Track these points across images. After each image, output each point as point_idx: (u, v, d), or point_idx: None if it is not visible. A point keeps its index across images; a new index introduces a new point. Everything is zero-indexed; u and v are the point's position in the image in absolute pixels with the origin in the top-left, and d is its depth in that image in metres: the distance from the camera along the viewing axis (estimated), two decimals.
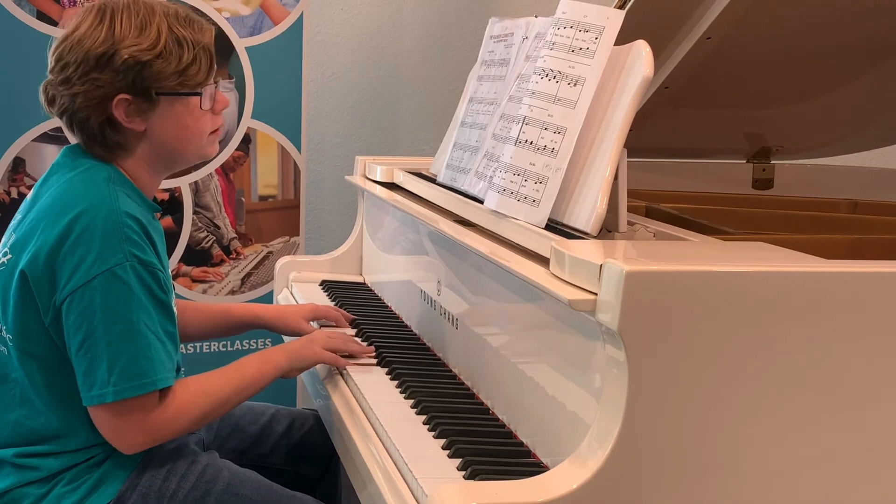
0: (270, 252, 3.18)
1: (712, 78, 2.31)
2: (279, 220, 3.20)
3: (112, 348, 1.63)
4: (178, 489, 1.75)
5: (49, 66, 1.75)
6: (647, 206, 2.13)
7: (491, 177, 1.81)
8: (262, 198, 3.18)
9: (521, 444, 1.61)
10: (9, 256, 1.73)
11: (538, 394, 1.56)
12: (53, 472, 1.71)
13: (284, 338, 2.24)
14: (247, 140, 3.12)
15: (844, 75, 2.37)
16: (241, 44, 3.06)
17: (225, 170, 3.11)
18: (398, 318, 2.34)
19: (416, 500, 1.44)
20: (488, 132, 1.92)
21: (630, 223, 1.69)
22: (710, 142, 2.59)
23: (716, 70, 2.27)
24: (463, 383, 1.89)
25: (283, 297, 2.66)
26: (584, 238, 1.57)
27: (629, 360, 1.28)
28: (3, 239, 1.79)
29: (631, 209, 1.77)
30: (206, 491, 1.77)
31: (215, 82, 1.80)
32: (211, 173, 3.09)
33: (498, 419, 1.71)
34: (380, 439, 1.66)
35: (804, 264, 1.40)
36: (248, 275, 3.17)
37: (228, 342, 3.09)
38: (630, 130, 1.60)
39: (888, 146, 2.60)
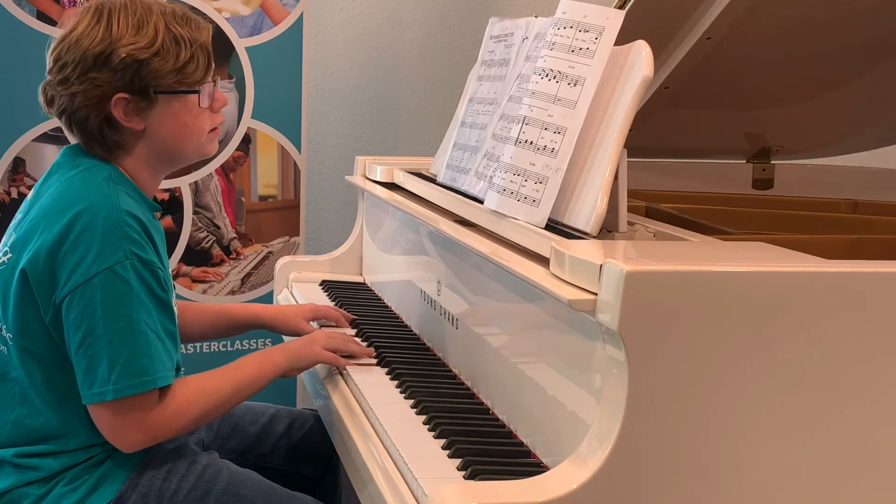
0: (270, 252, 3.18)
1: (712, 78, 2.31)
2: (279, 220, 3.20)
3: (112, 346, 1.63)
4: (178, 489, 1.75)
5: (47, 67, 1.75)
6: (647, 206, 2.13)
7: (491, 177, 1.81)
8: (262, 198, 3.18)
9: (521, 444, 1.61)
10: (9, 255, 1.73)
11: (538, 394, 1.56)
12: (53, 472, 1.71)
13: (284, 338, 2.24)
14: (247, 140, 3.12)
15: (844, 75, 2.38)
16: (241, 44, 3.06)
17: (225, 170, 3.11)
18: (398, 318, 2.34)
19: (416, 500, 1.44)
20: (488, 132, 1.92)
21: (630, 223, 1.69)
22: (710, 142, 2.59)
23: (716, 70, 2.27)
24: (463, 383, 1.89)
25: (283, 297, 2.66)
26: (584, 238, 1.57)
27: (629, 360, 1.28)
28: (4, 238, 1.79)
29: (631, 209, 1.77)
30: (206, 491, 1.77)
31: (213, 80, 1.80)
32: (211, 173, 3.09)
33: (498, 419, 1.71)
34: (380, 439, 1.66)
35: (804, 264, 1.39)
36: (248, 275, 3.17)
37: (228, 342, 3.09)
38: (630, 130, 1.60)
39: (888, 146, 2.60)
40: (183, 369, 1.83)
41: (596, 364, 1.37)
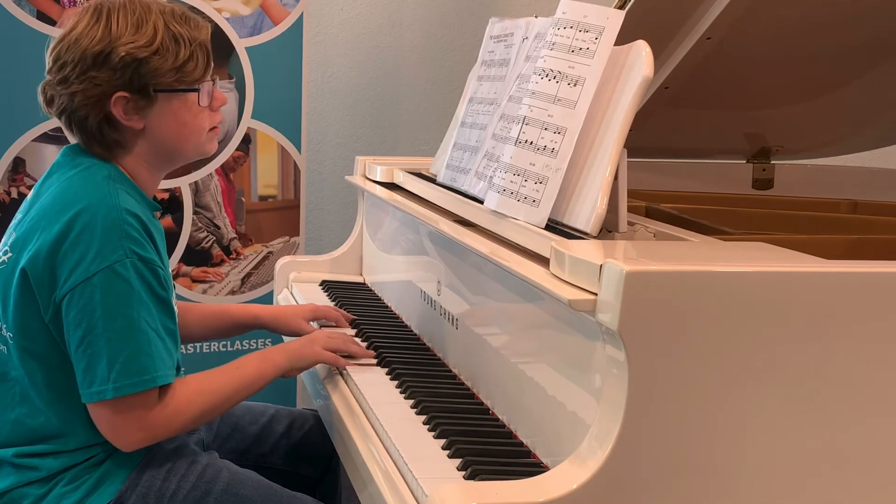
0: (270, 252, 3.18)
1: (712, 78, 2.31)
2: (279, 220, 3.20)
3: (112, 345, 1.63)
4: (178, 489, 1.75)
5: (47, 67, 1.75)
6: (647, 206, 2.13)
7: (491, 177, 1.81)
8: (262, 198, 3.18)
9: (521, 444, 1.61)
10: (9, 255, 1.73)
11: (538, 394, 1.56)
12: (53, 472, 1.71)
13: (284, 338, 2.24)
14: (247, 140, 3.12)
15: (844, 75, 2.38)
16: (241, 44, 3.06)
17: (225, 170, 3.11)
18: (398, 318, 2.34)
19: (416, 501, 1.44)
20: (488, 132, 1.92)
21: (630, 223, 1.69)
22: (710, 142, 2.59)
23: (716, 70, 2.27)
24: (463, 383, 1.89)
25: (283, 298, 2.66)
26: (584, 238, 1.57)
27: (629, 360, 1.28)
28: (4, 238, 1.79)
29: (631, 209, 1.77)
30: (205, 491, 1.77)
31: (212, 80, 1.81)
32: (211, 173, 3.09)
33: (498, 419, 1.71)
34: (380, 439, 1.66)
35: (804, 264, 1.40)
36: (248, 275, 3.17)
37: (228, 342, 3.09)
38: (630, 130, 1.60)
39: (888, 146, 2.60)
40: (183, 369, 1.83)
41: (596, 364, 1.37)
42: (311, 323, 2.21)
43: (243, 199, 3.15)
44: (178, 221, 3.06)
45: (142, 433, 1.69)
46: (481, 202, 1.81)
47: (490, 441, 1.61)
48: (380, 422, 1.69)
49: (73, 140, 1.80)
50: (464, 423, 1.68)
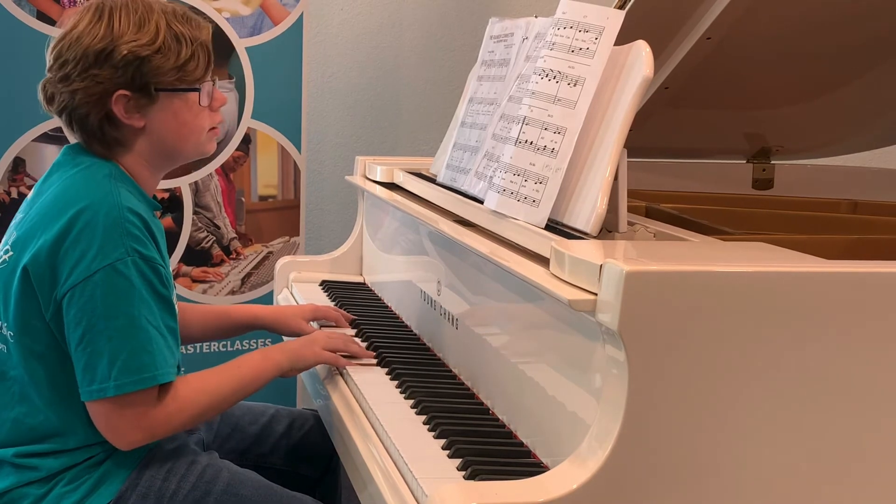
0: (270, 252, 3.18)
1: (712, 78, 2.31)
2: (279, 220, 3.20)
3: (113, 343, 1.63)
4: (178, 489, 1.75)
5: (47, 65, 1.75)
6: (647, 206, 2.13)
7: (491, 177, 1.82)
8: (262, 198, 3.18)
9: (521, 444, 1.61)
10: (10, 254, 1.73)
11: (538, 394, 1.56)
12: (53, 472, 1.71)
13: (284, 338, 2.23)
14: (247, 140, 3.12)
15: (844, 75, 2.38)
16: (241, 44, 3.06)
17: (225, 170, 3.11)
18: (398, 318, 2.34)
19: (416, 501, 1.44)
20: (488, 132, 1.92)
21: (630, 223, 1.69)
22: (710, 142, 2.59)
23: (716, 70, 2.27)
24: (463, 383, 1.89)
25: (283, 298, 2.66)
26: (584, 238, 1.57)
27: (629, 360, 1.28)
28: (5, 237, 1.79)
29: (631, 209, 1.77)
30: (205, 491, 1.77)
31: (212, 80, 1.81)
32: (211, 173, 3.09)
33: (498, 419, 1.71)
34: (380, 439, 1.66)
35: (804, 264, 1.40)
36: (248, 275, 3.17)
37: (228, 342, 3.09)
38: (630, 130, 1.60)
39: (888, 146, 2.60)
40: (183, 369, 1.82)
41: (596, 364, 1.37)
42: (312, 323, 2.21)
43: (243, 199, 3.15)
44: (178, 221, 3.06)
45: (141, 432, 1.69)
46: (481, 202, 1.81)
47: (490, 441, 1.61)
48: (380, 422, 1.69)
49: (72, 139, 1.81)
50: (464, 423, 1.68)
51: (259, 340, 3.08)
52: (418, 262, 2.22)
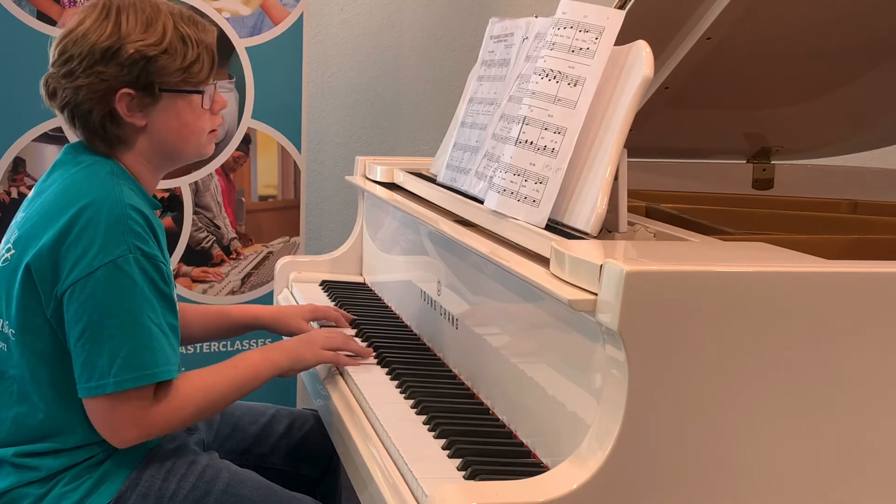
0: (270, 252, 3.18)
1: (712, 78, 2.31)
2: (279, 220, 3.20)
3: (113, 340, 1.64)
4: (178, 489, 1.75)
5: (51, 60, 1.76)
6: (647, 206, 2.13)
7: (491, 177, 1.82)
8: (262, 198, 3.18)
9: (521, 444, 1.61)
10: (12, 252, 1.74)
11: (538, 394, 1.56)
12: (53, 472, 1.71)
13: (284, 338, 2.23)
14: (247, 140, 3.12)
15: (844, 75, 2.38)
16: (241, 44, 3.06)
17: (225, 170, 3.11)
18: (398, 318, 2.34)
19: (416, 501, 1.44)
20: (488, 132, 1.92)
21: (630, 223, 1.69)
22: (710, 142, 2.59)
23: (716, 70, 2.27)
24: (463, 383, 1.89)
25: (283, 298, 2.66)
26: (584, 238, 1.57)
27: (629, 360, 1.28)
28: (6, 236, 1.80)
29: (631, 209, 1.77)
30: (205, 491, 1.77)
31: (214, 83, 1.82)
32: (211, 173, 3.09)
33: (498, 419, 1.71)
34: (380, 439, 1.66)
35: (804, 264, 1.40)
36: (249, 275, 3.17)
37: (228, 342, 3.09)
38: (630, 130, 1.60)
39: (888, 146, 2.60)
40: (182, 369, 1.82)
41: (596, 364, 1.37)
42: (311, 323, 2.21)
43: (243, 199, 3.15)
44: (179, 221, 3.06)
45: (138, 430, 1.69)
46: (481, 202, 1.81)
47: (490, 441, 1.61)
48: (380, 422, 1.69)
49: (73, 136, 1.81)
50: (464, 423, 1.68)
51: (259, 340, 3.08)
52: (418, 262, 2.22)
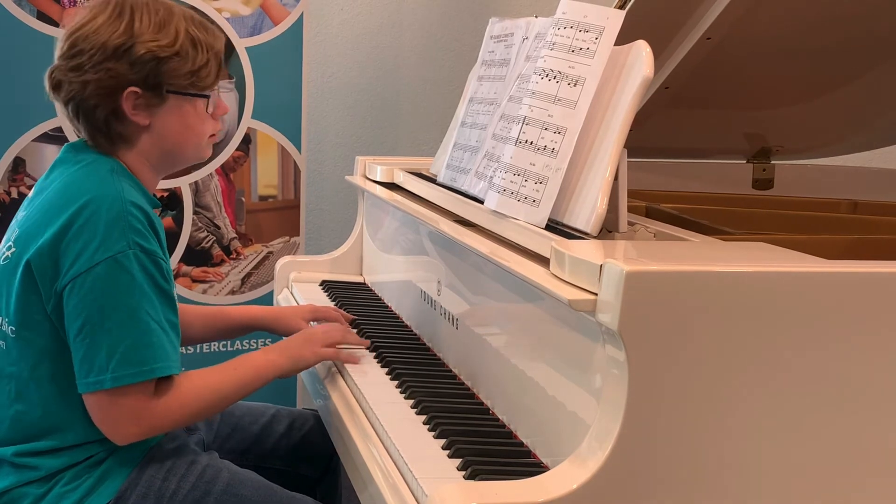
0: (270, 252, 3.19)
1: (713, 78, 2.31)
2: (279, 220, 3.20)
3: (112, 335, 1.64)
4: (178, 489, 1.75)
5: (58, 52, 1.76)
6: (647, 206, 2.13)
7: (491, 177, 1.82)
8: (262, 198, 3.18)
9: (521, 444, 1.61)
10: (13, 250, 1.74)
11: (538, 394, 1.56)
12: (53, 472, 1.71)
13: (284, 339, 2.23)
14: (247, 140, 3.12)
15: (844, 75, 2.38)
16: (241, 44, 3.06)
17: (225, 170, 3.11)
18: (398, 318, 2.34)
19: (416, 501, 1.44)
20: (488, 132, 1.92)
21: (630, 223, 1.69)
22: (710, 142, 2.59)
23: (716, 70, 2.27)
24: (463, 383, 1.89)
25: (283, 298, 2.66)
26: (584, 238, 1.57)
27: (629, 360, 1.28)
28: (7, 234, 1.80)
29: (631, 209, 1.77)
30: (205, 491, 1.77)
31: (217, 88, 1.84)
32: (211, 173, 3.09)
33: (498, 419, 1.71)
34: (380, 439, 1.66)
35: (804, 264, 1.40)
36: (249, 275, 3.17)
37: (228, 342, 3.09)
38: (630, 130, 1.60)
39: (888, 146, 2.60)
40: (183, 368, 1.82)
41: (596, 364, 1.37)
42: (311, 323, 2.21)
43: (243, 199, 3.15)
44: (178, 221, 3.06)
45: (137, 426, 1.69)
46: (481, 202, 1.81)
47: (490, 441, 1.61)
48: (380, 422, 1.69)
49: (72, 134, 1.82)
50: (464, 423, 1.68)
51: (259, 340, 3.09)
52: (418, 262, 2.22)
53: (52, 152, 2.84)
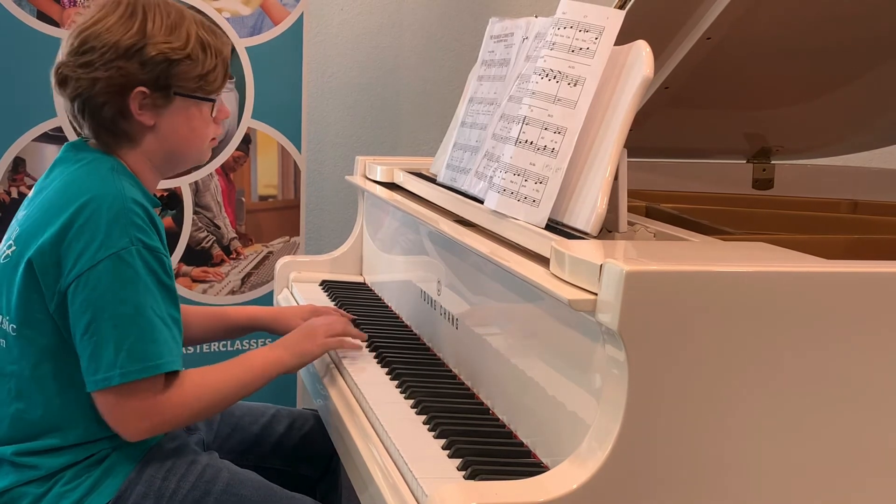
0: (270, 252, 3.19)
1: (713, 78, 2.31)
2: (279, 220, 3.20)
3: (118, 331, 1.64)
4: (178, 489, 1.75)
5: (66, 49, 1.76)
6: (647, 206, 2.13)
7: (491, 177, 1.82)
8: (262, 198, 3.18)
9: (521, 444, 1.61)
10: (13, 248, 1.74)
11: (538, 394, 1.56)
12: (53, 471, 1.71)
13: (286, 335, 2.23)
14: (247, 140, 3.12)
15: (844, 75, 2.38)
16: (241, 44, 3.06)
17: (225, 170, 3.11)
18: (398, 318, 2.34)
19: (416, 501, 1.44)
20: (488, 132, 1.92)
21: (630, 223, 1.69)
22: (710, 142, 2.59)
23: (716, 70, 2.27)
24: (463, 383, 1.89)
25: (283, 298, 2.66)
26: (584, 238, 1.57)
27: (629, 360, 1.28)
28: (7, 232, 1.80)
29: (631, 209, 1.77)
30: (205, 491, 1.77)
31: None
32: (211, 173, 3.09)
33: (498, 419, 1.71)
34: (380, 439, 1.66)
35: (804, 264, 1.40)
36: (249, 275, 3.17)
37: (228, 342, 3.09)
38: (630, 130, 1.60)
39: (888, 146, 2.60)
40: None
41: (596, 364, 1.37)
42: None
43: (243, 198, 3.15)
44: (179, 221, 3.06)
45: (147, 421, 1.69)
46: (481, 202, 1.82)
47: (490, 441, 1.61)
48: (380, 422, 1.69)
49: (72, 134, 1.82)
50: (464, 423, 1.68)
51: (259, 340, 3.09)
52: (418, 262, 2.22)
53: (52, 152, 2.84)
